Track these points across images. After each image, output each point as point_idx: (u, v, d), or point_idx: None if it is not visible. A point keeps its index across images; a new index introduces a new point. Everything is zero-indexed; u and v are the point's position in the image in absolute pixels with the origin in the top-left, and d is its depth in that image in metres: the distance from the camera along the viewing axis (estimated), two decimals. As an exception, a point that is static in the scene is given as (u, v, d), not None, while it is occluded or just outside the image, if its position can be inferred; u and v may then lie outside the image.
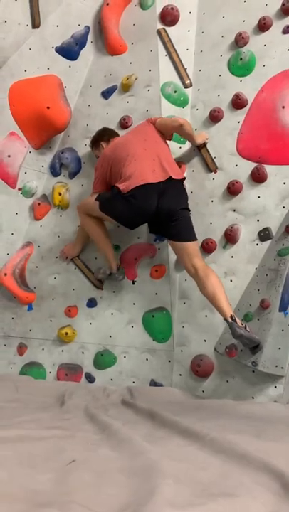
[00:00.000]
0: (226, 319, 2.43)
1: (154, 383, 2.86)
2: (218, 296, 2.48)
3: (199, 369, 2.74)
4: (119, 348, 2.95)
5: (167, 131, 2.72)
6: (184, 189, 2.71)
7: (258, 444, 1.52)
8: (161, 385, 2.84)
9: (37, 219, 3.18)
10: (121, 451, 1.51)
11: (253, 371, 2.56)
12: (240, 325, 2.39)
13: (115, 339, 2.96)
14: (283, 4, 2.74)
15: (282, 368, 2.49)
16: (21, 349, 3.13)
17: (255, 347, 2.49)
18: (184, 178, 2.71)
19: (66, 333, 3.00)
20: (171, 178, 2.56)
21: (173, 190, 2.59)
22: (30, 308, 3.13)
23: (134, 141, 2.66)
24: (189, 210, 2.68)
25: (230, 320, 2.40)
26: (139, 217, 2.64)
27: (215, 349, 2.74)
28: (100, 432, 1.79)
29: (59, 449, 1.54)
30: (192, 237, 2.62)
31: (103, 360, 2.96)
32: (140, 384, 2.89)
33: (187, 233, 2.62)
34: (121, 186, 2.55)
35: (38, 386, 2.82)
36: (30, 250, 3.17)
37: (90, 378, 2.98)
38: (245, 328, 2.40)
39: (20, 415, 2.03)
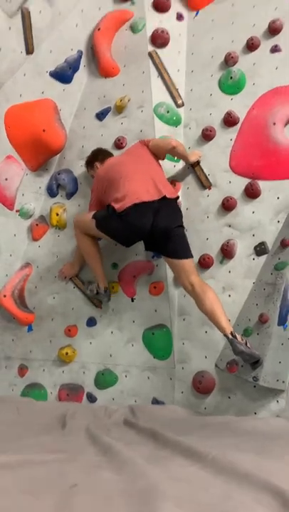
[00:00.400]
0: (226, 336, 2.44)
1: (156, 401, 2.85)
2: (217, 313, 2.49)
3: (201, 386, 2.74)
4: (120, 366, 2.95)
5: (160, 152, 2.77)
6: (178, 207, 2.75)
7: (260, 463, 1.52)
8: (163, 403, 2.83)
9: (35, 239, 3.21)
10: (122, 473, 1.50)
11: (255, 386, 2.56)
12: (240, 341, 2.40)
13: (116, 358, 2.96)
14: (270, 25, 2.81)
15: (283, 382, 2.49)
16: (22, 370, 3.12)
17: (255, 362, 2.50)
18: (178, 197, 2.74)
19: (66, 353, 3.00)
20: (165, 196, 2.59)
21: (167, 208, 2.62)
22: (30, 329, 3.13)
23: (128, 163, 2.70)
24: (184, 228, 2.71)
25: (230, 336, 2.40)
26: (134, 235, 2.66)
27: (216, 365, 2.74)
28: (101, 453, 1.79)
29: (61, 473, 1.54)
30: (188, 254, 2.64)
31: (104, 379, 2.96)
32: (142, 402, 2.88)
33: (183, 250, 2.64)
34: (116, 206, 2.57)
35: (40, 408, 2.81)
36: (28, 271, 3.19)
37: (92, 398, 2.97)
38: (246, 344, 2.41)
39: (21, 439, 2.02)
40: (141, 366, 2.91)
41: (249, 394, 2.60)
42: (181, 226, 2.69)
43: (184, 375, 2.82)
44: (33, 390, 3.06)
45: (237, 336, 2.41)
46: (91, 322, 3.04)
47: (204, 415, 2.67)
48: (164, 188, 2.63)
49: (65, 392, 3.02)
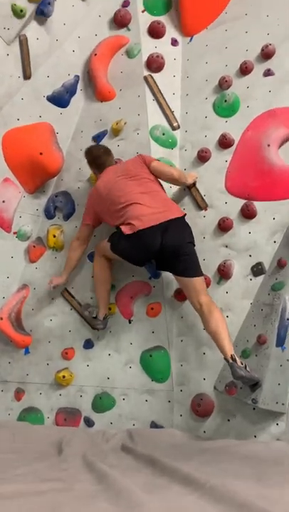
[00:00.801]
0: (226, 359, 2.42)
1: (154, 425, 2.81)
2: (220, 334, 2.47)
3: (200, 409, 2.70)
4: (117, 389, 2.92)
5: (161, 178, 2.79)
6: (186, 224, 2.73)
7: (260, 491, 1.49)
8: (161, 427, 2.78)
9: (32, 261, 3.21)
10: (118, 503, 1.47)
11: (254, 409, 2.52)
12: (240, 365, 2.37)
13: (113, 381, 2.92)
14: (262, 50, 2.87)
15: (282, 404, 2.45)
16: (19, 394, 3.08)
17: (254, 385, 2.47)
18: (185, 215, 2.74)
19: (63, 377, 2.96)
20: (171, 219, 2.63)
21: (175, 227, 2.64)
22: (26, 351, 3.11)
23: (132, 187, 2.70)
24: (194, 245, 2.71)
25: (230, 360, 2.38)
26: (144, 254, 2.68)
27: (214, 387, 2.71)
28: (97, 482, 1.75)
29: (56, 504, 1.50)
30: (198, 273, 2.64)
31: (102, 403, 2.92)
32: (140, 426, 2.83)
33: (192, 269, 2.64)
34: (124, 229, 2.63)
35: (36, 433, 2.76)
36: (26, 293, 3.18)
37: (89, 422, 2.92)
38: (246, 367, 2.38)
39: (17, 467, 1.98)
40: (139, 389, 2.88)
41: (249, 416, 2.56)
42: (191, 243, 2.69)
43: (182, 398, 2.79)
44: (30, 414, 3.02)
45: (237, 359, 2.39)
46: (88, 344, 3.01)
47: (204, 439, 2.62)
48: (168, 208, 2.66)
49: (63, 417, 2.97)
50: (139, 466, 2.00)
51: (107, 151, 2.94)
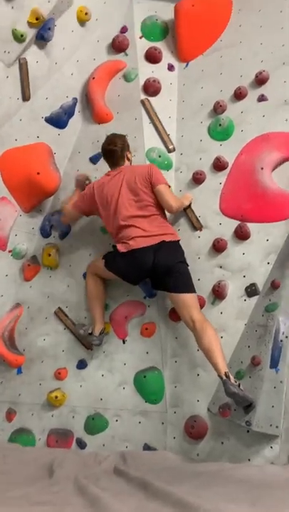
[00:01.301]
0: (219, 376, 2.41)
1: (147, 447, 2.77)
2: (214, 351, 2.48)
3: (193, 431, 2.67)
4: (110, 411, 2.88)
5: (161, 203, 2.81)
6: (179, 246, 2.79)
7: (253, 515, 1.47)
8: (155, 449, 2.75)
9: (27, 280, 3.21)
10: (110, 528, 1.44)
11: (248, 431, 2.50)
12: (233, 383, 2.37)
13: (107, 402, 2.89)
14: (256, 76, 2.95)
15: (276, 427, 2.43)
16: (10, 415, 3.04)
17: (248, 406, 2.45)
18: (179, 240, 2.79)
19: (56, 397, 2.93)
20: (164, 240, 2.68)
21: (168, 247, 2.70)
22: (19, 371, 3.07)
23: (131, 203, 2.74)
24: (187, 265, 2.75)
25: (224, 377, 2.38)
26: (138, 272, 2.72)
27: (208, 409, 2.69)
28: (89, 505, 1.72)
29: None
30: (190, 289, 2.67)
31: (94, 424, 2.88)
32: (133, 448, 2.79)
33: (184, 285, 2.67)
34: (119, 247, 2.72)
35: (27, 455, 2.71)
36: (19, 312, 3.17)
37: (81, 444, 2.88)
38: (239, 386, 2.38)
39: (7, 490, 1.94)
40: (132, 410, 2.85)
41: (242, 439, 2.54)
42: (183, 262, 2.73)
43: (176, 420, 2.76)
44: (21, 436, 2.97)
45: (231, 377, 2.39)
46: (81, 364, 2.99)
47: (197, 462, 2.59)
48: (164, 233, 2.72)
49: (54, 438, 2.93)
50: (131, 490, 1.97)
51: (122, 151, 2.88)
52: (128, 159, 2.92)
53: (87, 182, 3.11)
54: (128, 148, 2.92)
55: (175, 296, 2.67)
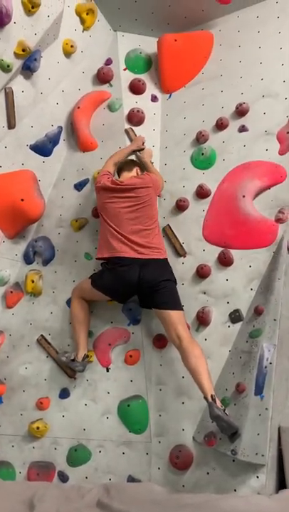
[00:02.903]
0: (205, 398, 2.39)
1: (131, 479, 2.70)
2: (200, 373, 2.45)
3: (178, 461, 2.62)
4: (93, 441, 2.81)
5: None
6: (167, 264, 2.79)
7: None
8: (139, 481, 2.68)
9: (9, 307, 3.16)
10: None
11: (234, 460, 2.46)
12: (219, 406, 2.35)
13: (90, 432, 2.83)
14: (237, 107, 3.05)
15: (262, 455, 2.39)
16: (-11, 447, 2.94)
17: (233, 434, 2.42)
18: (166, 259, 2.80)
19: (37, 428, 2.85)
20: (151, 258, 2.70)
21: (155, 264, 2.72)
22: (0, 401, 2.99)
23: (129, 217, 2.76)
24: (176, 283, 2.77)
25: (209, 399, 2.36)
26: (124, 287, 2.71)
27: (193, 438, 2.65)
28: None
29: None
30: (176, 306, 2.67)
31: (77, 456, 2.80)
32: (117, 480, 2.72)
33: (171, 302, 2.67)
34: (105, 254, 2.77)
35: (6, 489, 2.61)
36: (1, 340, 3.10)
37: (63, 477, 2.79)
38: (224, 411, 2.35)
39: (-16, 528, 1.86)
40: (116, 441, 2.78)
41: (228, 469, 2.49)
42: (170, 280, 2.73)
43: (160, 450, 2.70)
44: (0, 470, 2.86)
45: (217, 400, 2.37)
46: (64, 393, 2.93)
47: (183, 493, 2.52)
48: (152, 250, 2.73)
49: (35, 472, 2.83)
50: (115, 525, 1.91)
51: (132, 163, 3.05)
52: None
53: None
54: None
55: (162, 312, 2.66)
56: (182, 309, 2.70)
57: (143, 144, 3.18)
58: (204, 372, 2.46)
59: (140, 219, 2.77)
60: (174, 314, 2.63)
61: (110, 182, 2.84)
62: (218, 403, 2.36)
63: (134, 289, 2.72)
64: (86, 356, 2.84)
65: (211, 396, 2.37)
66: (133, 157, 3.17)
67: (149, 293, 2.69)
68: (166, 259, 2.81)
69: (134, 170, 3.00)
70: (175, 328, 2.60)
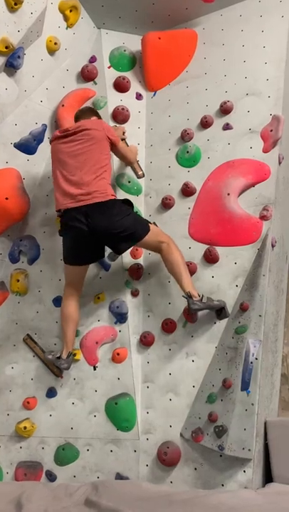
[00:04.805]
0: (183, 295, 2.60)
1: (119, 477, 2.70)
2: (178, 273, 2.64)
3: (166, 457, 2.63)
4: (81, 440, 2.81)
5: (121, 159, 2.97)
6: (115, 202, 2.66)
7: None
8: (127, 478, 2.68)
9: (-6, 307, 3.14)
10: None
11: (221, 456, 2.49)
12: (194, 299, 2.55)
13: (77, 431, 2.82)
14: (221, 106, 3.06)
15: (249, 450, 2.42)
16: (-24, 448, 2.91)
17: (220, 310, 2.67)
18: (112, 199, 2.64)
19: (24, 428, 2.83)
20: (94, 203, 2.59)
21: (98, 209, 2.58)
22: (-14, 402, 2.97)
23: (72, 163, 2.67)
24: (131, 206, 2.75)
25: (186, 296, 2.57)
26: (81, 239, 2.63)
27: (181, 434, 2.66)
28: None
29: None
30: (144, 230, 2.67)
31: (65, 454, 2.79)
32: (105, 478, 2.72)
33: (138, 233, 2.66)
34: (55, 208, 2.74)
35: (-6, 490, 2.60)
36: (-13, 340, 3.08)
37: (51, 476, 2.78)
38: (201, 300, 2.56)
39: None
40: (104, 439, 2.78)
41: (216, 464, 2.52)
42: (122, 214, 2.62)
43: (148, 447, 2.72)
44: (-12, 470, 2.85)
45: (193, 294, 2.56)
46: (51, 393, 2.92)
47: (171, 490, 2.53)
48: (93, 195, 2.59)
49: (23, 472, 2.82)
50: (103, 522, 1.91)
51: (90, 111, 2.96)
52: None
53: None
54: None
55: (140, 244, 2.73)
56: (149, 226, 2.70)
57: (124, 133, 3.11)
58: (182, 271, 2.64)
59: (85, 163, 2.64)
60: (148, 238, 2.68)
61: (59, 131, 2.82)
62: (196, 296, 2.56)
63: (92, 240, 2.64)
64: (70, 354, 2.83)
65: (187, 293, 2.57)
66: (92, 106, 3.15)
67: (111, 239, 2.65)
68: (111, 200, 2.63)
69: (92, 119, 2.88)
70: (155, 240, 2.70)
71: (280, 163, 2.83)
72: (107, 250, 2.87)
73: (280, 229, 2.91)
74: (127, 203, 2.76)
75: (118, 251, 2.77)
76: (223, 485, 2.47)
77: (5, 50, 2.89)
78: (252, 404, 2.47)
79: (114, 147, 2.82)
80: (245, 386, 2.52)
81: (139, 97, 3.38)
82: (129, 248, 2.75)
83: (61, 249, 3.11)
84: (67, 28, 3.33)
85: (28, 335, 3.05)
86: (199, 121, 3.12)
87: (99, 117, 2.95)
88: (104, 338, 2.94)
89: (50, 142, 2.85)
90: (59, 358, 2.81)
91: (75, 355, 2.88)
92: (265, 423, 2.58)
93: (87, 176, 2.62)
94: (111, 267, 3.03)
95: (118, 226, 2.59)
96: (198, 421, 2.60)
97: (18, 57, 3.01)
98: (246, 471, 2.44)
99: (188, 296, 2.57)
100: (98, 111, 3.29)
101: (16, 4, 2.83)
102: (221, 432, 2.46)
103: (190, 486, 2.53)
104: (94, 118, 2.90)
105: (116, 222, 2.58)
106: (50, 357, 2.85)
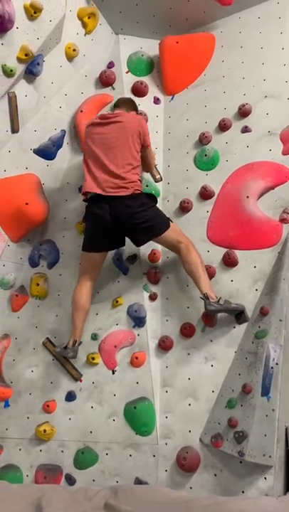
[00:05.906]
0: (200, 296, 2.62)
1: (138, 481, 2.69)
2: (196, 274, 2.65)
3: (185, 463, 2.61)
4: (100, 444, 2.81)
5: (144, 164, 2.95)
6: (139, 195, 2.72)
7: None
8: (146, 483, 2.67)
9: (14, 310, 3.17)
10: None
11: (241, 462, 2.45)
12: (211, 300, 2.56)
13: (96, 435, 2.82)
14: (240, 108, 3.05)
15: (270, 456, 2.38)
16: (-3, 451, 2.95)
17: (239, 314, 2.66)
18: (136, 193, 2.70)
19: (44, 431, 2.85)
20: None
21: (123, 201, 2.65)
22: (6, 404, 3.00)
23: (104, 151, 2.72)
24: (156, 202, 2.82)
25: (203, 297, 2.58)
26: (101, 228, 2.70)
27: (200, 439, 2.64)
28: None
29: None
30: (165, 225, 2.72)
31: (84, 458, 2.80)
32: (124, 482, 2.70)
33: (157, 227, 2.71)
34: (82, 190, 2.79)
35: (14, 493, 2.60)
36: (7, 343, 3.12)
37: (71, 480, 2.79)
38: (218, 301, 2.56)
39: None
40: (123, 443, 2.78)
41: (236, 470, 2.48)
42: (145, 206, 2.69)
43: (167, 452, 2.70)
44: (8, 473, 2.86)
45: (210, 296, 2.57)
46: (70, 396, 2.93)
47: (190, 496, 2.51)
48: (120, 188, 2.67)
49: (43, 474, 2.83)
50: (122, 527, 1.90)
51: (131, 104, 3.00)
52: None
53: None
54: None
55: (158, 239, 2.75)
56: (169, 223, 2.74)
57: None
58: (200, 272, 2.65)
59: (117, 155, 2.70)
60: (167, 235, 2.70)
61: (96, 118, 2.88)
62: (213, 297, 2.57)
63: (112, 228, 2.69)
64: (76, 342, 2.81)
65: (204, 294, 2.57)
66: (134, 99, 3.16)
67: (131, 230, 2.71)
68: (135, 193, 2.69)
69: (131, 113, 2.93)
70: (174, 239, 2.72)
71: (300, 165, 2.80)
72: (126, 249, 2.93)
73: (301, 232, 2.86)
74: (151, 197, 2.81)
75: (137, 243, 2.80)
76: (243, 492, 2.43)
77: (25, 57, 2.94)
78: (272, 409, 2.43)
79: (143, 148, 2.85)
80: (265, 391, 2.48)
81: (157, 101, 3.39)
82: (147, 241, 2.77)
83: (80, 254, 3.14)
84: (85, 35, 3.37)
85: (47, 338, 3.08)
86: (217, 124, 3.11)
87: (137, 112, 3.02)
88: (123, 342, 2.94)
89: (87, 127, 2.90)
90: (66, 348, 2.80)
91: (81, 343, 2.87)
92: (286, 429, 2.52)
93: (119, 169, 2.70)
94: (129, 271, 3.04)
95: (139, 217, 2.65)
96: (217, 426, 2.57)
97: (38, 64, 3.06)
98: (267, 478, 2.40)
99: (205, 297, 2.58)
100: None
101: (35, 12, 2.88)
102: (241, 437, 2.43)
103: (209, 492, 2.50)
104: (133, 113, 2.95)
105: (137, 213, 2.66)
106: (58, 349, 2.85)
